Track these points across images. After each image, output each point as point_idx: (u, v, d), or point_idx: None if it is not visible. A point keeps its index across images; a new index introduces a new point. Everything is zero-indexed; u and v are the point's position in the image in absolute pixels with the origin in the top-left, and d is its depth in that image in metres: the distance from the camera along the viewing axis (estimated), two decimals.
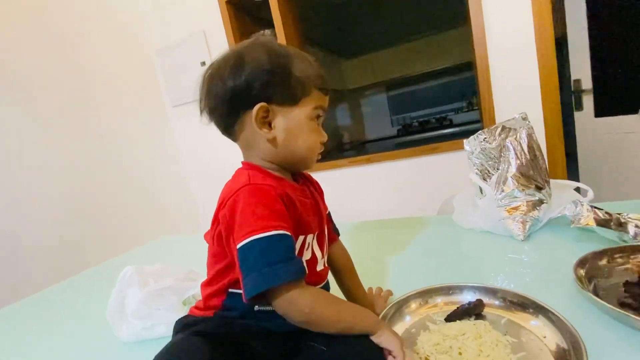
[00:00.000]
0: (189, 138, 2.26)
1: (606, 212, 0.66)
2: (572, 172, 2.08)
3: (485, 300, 0.53)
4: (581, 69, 1.91)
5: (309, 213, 0.46)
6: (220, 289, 0.44)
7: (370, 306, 0.56)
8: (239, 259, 0.37)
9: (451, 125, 3.40)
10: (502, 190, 0.79)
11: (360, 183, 1.86)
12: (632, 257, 0.55)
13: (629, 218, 0.63)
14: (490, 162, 0.81)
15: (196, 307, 0.48)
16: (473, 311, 0.52)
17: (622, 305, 0.48)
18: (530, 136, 0.80)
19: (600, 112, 1.92)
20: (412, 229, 0.96)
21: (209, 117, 0.47)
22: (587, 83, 1.92)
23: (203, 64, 2.13)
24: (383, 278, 0.72)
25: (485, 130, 0.81)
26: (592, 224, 0.65)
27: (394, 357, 0.40)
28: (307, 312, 0.38)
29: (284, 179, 0.46)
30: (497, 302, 0.52)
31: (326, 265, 0.50)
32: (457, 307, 0.53)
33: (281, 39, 1.82)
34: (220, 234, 0.42)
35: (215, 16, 1.99)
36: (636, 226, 0.62)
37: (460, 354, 0.44)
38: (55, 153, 1.62)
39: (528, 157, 0.79)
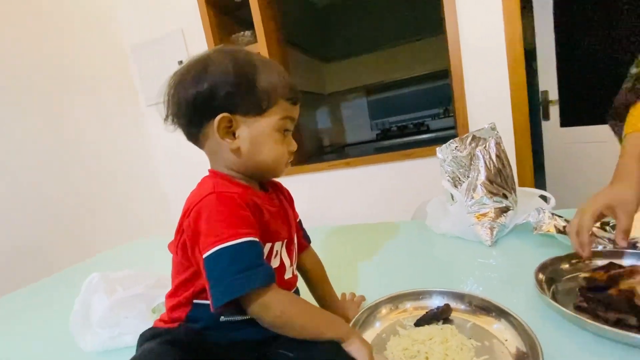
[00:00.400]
0: (164, 139, 2.20)
1: (565, 220, 0.70)
2: (540, 179, 2.19)
3: (453, 304, 0.55)
4: (548, 80, 2.01)
5: (277, 221, 0.46)
6: (184, 300, 0.43)
7: (342, 312, 0.57)
8: (206, 268, 0.37)
9: (428, 131, 3.49)
10: (472, 197, 0.82)
11: (339, 187, 1.87)
12: (587, 262, 0.59)
13: None
14: (461, 170, 0.84)
15: (161, 320, 0.47)
16: (441, 316, 0.53)
17: (578, 309, 0.51)
18: (498, 145, 0.83)
19: (565, 122, 2.03)
20: (386, 234, 0.98)
21: (174, 124, 0.46)
22: (554, 94, 2.03)
23: (180, 63, 2.08)
24: (357, 283, 0.73)
25: (457, 139, 0.84)
26: (553, 231, 0.68)
27: None
28: (279, 315, 0.38)
29: (250, 188, 0.46)
30: (463, 307, 0.54)
31: (295, 273, 0.50)
32: (426, 312, 0.54)
33: (261, 40, 1.82)
34: (185, 244, 0.41)
35: (194, 15, 1.95)
36: (592, 234, 0.66)
37: (427, 358, 0.45)
38: (18, 151, 1.54)
39: (496, 165, 0.82)
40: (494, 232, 0.79)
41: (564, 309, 0.47)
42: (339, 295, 0.63)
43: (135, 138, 2.18)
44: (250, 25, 1.88)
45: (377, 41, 3.71)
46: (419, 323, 0.53)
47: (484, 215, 0.81)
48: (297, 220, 0.58)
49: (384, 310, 0.55)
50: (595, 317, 0.48)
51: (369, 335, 0.52)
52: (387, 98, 4.05)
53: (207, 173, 0.48)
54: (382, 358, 0.47)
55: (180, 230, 0.42)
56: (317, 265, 0.59)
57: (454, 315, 0.54)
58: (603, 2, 1.84)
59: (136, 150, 2.17)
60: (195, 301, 0.43)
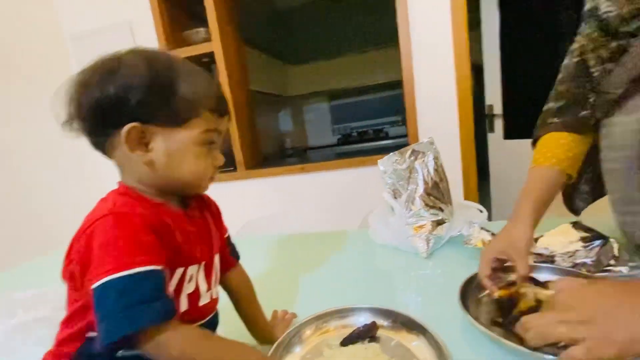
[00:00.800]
0: None
1: (492, 234, 0.73)
2: (486, 189, 2.33)
3: (379, 321, 0.54)
4: (494, 94, 2.15)
5: (194, 242, 0.43)
6: (77, 332, 0.39)
7: (269, 333, 0.54)
8: (95, 300, 0.33)
9: (387, 137, 3.58)
10: (411, 209, 0.84)
11: (294, 192, 1.85)
12: (505, 273, 0.62)
13: None
14: (401, 182, 0.86)
15: (50, 353, 0.41)
16: (367, 334, 0.53)
17: (494, 323, 0.53)
18: (436, 159, 0.86)
19: (508, 135, 2.17)
20: (332, 244, 0.98)
21: (75, 130, 0.40)
22: (498, 108, 2.16)
23: None
24: (295, 297, 0.71)
25: (397, 152, 0.86)
26: (480, 245, 0.71)
27: None
28: (178, 356, 0.34)
29: (163, 205, 0.42)
30: (387, 323, 0.54)
31: (214, 296, 0.47)
32: (353, 331, 0.53)
33: (215, 38, 1.75)
34: (74, 273, 0.36)
35: (144, 6, 1.84)
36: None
37: None
38: None
39: (434, 179, 0.85)
40: (430, 244, 0.81)
41: (475, 322, 0.49)
42: (269, 313, 0.61)
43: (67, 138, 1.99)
44: (205, 22, 1.81)
45: (341, 47, 3.75)
46: (345, 342, 0.52)
47: (421, 227, 0.83)
48: (226, 236, 0.55)
49: (308, 331, 0.53)
50: (509, 332, 0.50)
51: (293, 358, 0.50)
52: (349, 104, 4.11)
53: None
54: None
55: (69, 257, 0.37)
56: (244, 284, 0.56)
57: (380, 332, 0.54)
58: (546, 22, 1.99)
59: (67, 151, 1.96)
60: (88, 335, 0.38)
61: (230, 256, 0.54)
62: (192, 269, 0.42)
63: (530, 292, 0.53)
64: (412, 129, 1.67)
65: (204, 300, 0.44)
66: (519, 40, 2.10)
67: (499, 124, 2.18)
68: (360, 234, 1.00)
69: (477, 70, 2.34)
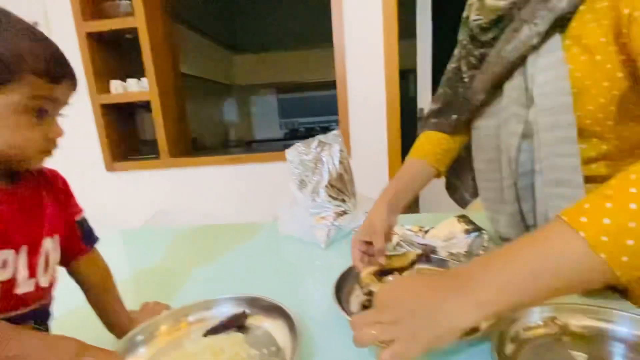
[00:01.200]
0: None
1: None
2: None
3: (250, 310, 0.53)
4: (425, 99, 2.26)
5: (11, 223, 0.37)
6: None
7: (124, 324, 0.50)
8: None
9: None
10: (315, 200, 0.84)
11: (220, 183, 1.78)
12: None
13: (394, 231, 0.73)
14: (307, 174, 0.85)
15: None
16: (234, 324, 0.51)
17: (363, 307, 0.54)
18: (342, 152, 0.87)
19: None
20: (237, 235, 0.95)
21: None
22: None
23: (36, 24, 1.72)
24: (188, 289, 0.67)
25: (303, 142, 0.85)
26: None
27: None
28: None
29: None
30: (257, 311, 0.53)
31: (43, 285, 0.41)
32: (220, 321, 0.51)
33: (139, 12, 1.61)
34: None
35: None
36: (400, 238, 0.73)
37: None
38: None
39: (339, 171, 0.86)
40: (330, 235, 0.82)
41: (338, 306, 0.50)
42: (138, 304, 0.56)
43: None
44: None
45: (291, 41, 3.71)
46: (209, 333, 0.49)
47: (324, 217, 0.83)
48: (77, 219, 0.49)
49: (164, 327, 0.50)
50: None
51: (149, 351, 0.47)
52: (298, 99, 4.09)
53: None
54: None
55: None
56: (98, 273, 0.51)
57: (250, 321, 0.52)
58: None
59: None
60: None
61: (80, 242, 0.49)
62: (4, 253, 0.36)
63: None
64: (344, 126, 1.70)
65: (24, 289, 0.39)
66: (450, 48, 2.24)
67: None
68: (269, 226, 0.98)
69: (411, 75, 2.46)
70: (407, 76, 3.04)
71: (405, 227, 0.80)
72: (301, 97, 4.09)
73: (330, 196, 0.84)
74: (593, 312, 0.44)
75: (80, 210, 0.49)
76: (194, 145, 2.59)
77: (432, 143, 0.71)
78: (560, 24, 0.48)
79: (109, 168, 1.80)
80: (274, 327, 0.50)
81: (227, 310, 0.53)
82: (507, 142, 0.56)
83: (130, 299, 0.55)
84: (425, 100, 2.26)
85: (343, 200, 0.85)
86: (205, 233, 1.01)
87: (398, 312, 0.34)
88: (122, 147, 1.88)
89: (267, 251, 0.85)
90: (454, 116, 0.66)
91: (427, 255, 0.62)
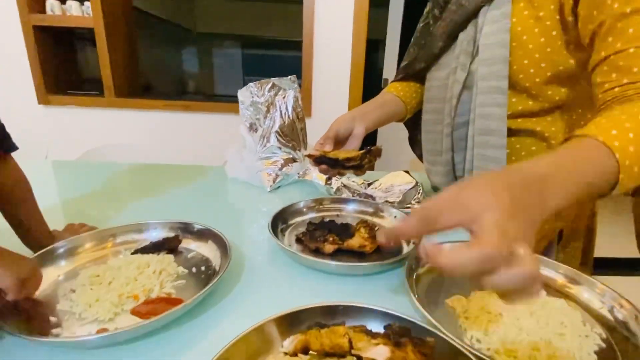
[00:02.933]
0: None
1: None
2: None
3: (182, 235, 0.53)
4: (390, 69, 2.28)
5: None
6: None
7: (43, 239, 0.48)
8: None
9: None
10: (265, 145, 0.83)
11: (169, 130, 1.69)
12: (324, 205, 0.67)
13: (337, 178, 0.77)
14: (258, 117, 0.84)
15: None
16: (165, 246, 0.51)
17: (297, 240, 0.56)
18: (296, 99, 0.86)
19: None
20: (183, 175, 0.92)
21: None
22: None
23: None
24: (112, 217, 0.64)
25: (256, 83, 0.83)
26: (310, 178, 0.75)
27: (5, 293, 0.33)
28: None
29: None
30: (190, 237, 0.53)
31: None
32: (150, 242, 0.51)
33: None
34: None
35: None
36: (342, 184, 0.76)
37: (110, 283, 0.41)
38: None
39: (291, 118, 0.85)
40: (277, 180, 0.82)
41: (275, 239, 0.52)
42: (62, 226, 0.54)
43: None
44: None
45: None
46: (137, 253, 0.49)
47: (273, 163, 0.83)
48: None
49: (88, 244, 0.48)
50: (304, 246, 0.54)
51: (69, 264, 0.45)
52: (263, 56, 3.90)
53: None
54: (69, 285, 0.41)
55: None
56: (15, 182, 0.47)
57: (183, 246, 0.52)
58: None
59: None
60: None
61: None
62: None
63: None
64: (307, 88, 1.67)
65: None
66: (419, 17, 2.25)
67: None
68: (216, 169, 0.96)
69: (380, 45, 2.44)
70: (375, 46, 3.02)
71: (351, 179, 0.84)
72: (266, 55, 3.91)
73: (280, 142, 0.83)
74: None
75: None
76: (146, 90, 2.40)
77: (401, 86, 0.75)
78: None
79: (43, 101, 1.61)
80: (206, 250, 0.51)
81: (159, 235, 0.53)
82: (452, 90, 0.60)
83: (55, 225, 0.53)
84: (390, 72, 2.29)
85: (293, 148, 0.85)
86: (146, 171, 0.97)
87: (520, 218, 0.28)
88: (59, 80, 1.69)
89: (210, 192, 0.83)
90: (418, 66, 0.69)
91: (372, 150, 0.56)
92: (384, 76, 2.32)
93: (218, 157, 1.59)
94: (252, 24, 3.70)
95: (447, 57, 0.63)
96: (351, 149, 0.59)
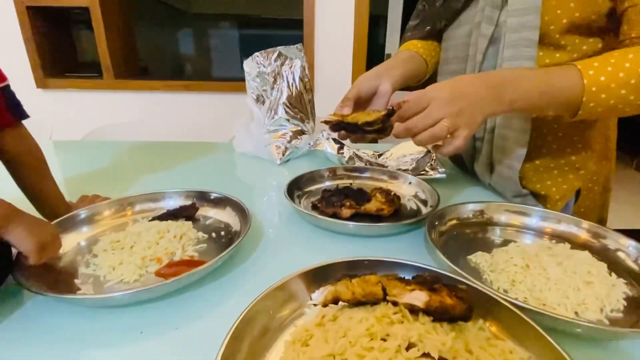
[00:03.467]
0: None
1: (337, 140, 0.77)
2: None
3: (199, 203, 0.52)
4: (393, 45, 2.23)
5: None
6: None
7: (59, 209, 0.47)
8: None
9: None
10: (272, 117, 0.82)
11: (171, 111, 1.67)
12: (337, 174, 0.66)
13: (347, 146, 0.76)
14: (265, 88, 0.82)
15: None
16: (182, 213, 0.50)
17: (313, 207, 0.56)
18: (303, 68, 0.84)
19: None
20: (190, 152, 0.91)
21: None
22: None
23: None
24: (124, 192, 0.64)
25: (262, 52, 0.81)
26: (322, 148, 0.74)
27: (26, 257, 0.33)
28: None
29: None
30: (206, 203, 0.53)
31: None
32: (167, 210, 0.50)
33: None
34: None
35: None
36: (354, 153, 0.75)
37: (131, 247, 0.41)
38: None
39: (298, 88, 0.83)
40: (287, 153, 0.81)
41: (293, 204, 0.51)
42: (76, 197, 0.53)
43: None
44: None
45: None
46: (155, 219, 0.49)
47: (281, 135, 0.82)
48: (0, 85, 0.43)
49: (107, 212, 0.48)
50: (321, 212, 0.54)
51: (90, 231, 0.45)
52: (262, 36, 3.79)
53: None
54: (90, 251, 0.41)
55: None
56: (29, 151, 0.46)
57: (201, 213, 0.52)
58: None
59: None
60: None
61: (4, 112, 0.43)
62: None
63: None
64: (310, 69, 1.62)
65: None
66: None
67: None
68: (224, 145, 0.95)
69: (381, 20, 2.38)
70: (377, 22, 2.94)
71: (362, 150, 0.82)
72: (265, 35, 3.81)
73: (288, 114, 0.82)
74: (513, 208, 0.50)
75: (4, 78, 0.43)
76: (143, 73, 2.35)
77: (420, 43, 0.72)
78: None
79: (41, 84, 1.59)
80: (225, 216, 0.51)
81: (175, 203, 0.52)
82: (476, 45, 0.57)
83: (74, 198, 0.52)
84: (393, 48, 2.23)
85: (302, 120, 0.84)
86: (152, 148, 0.96)
87: (461, 103, 0.42)
88: (57, 63, 1.65)
89: (220, 167, 0.83)
90: (428, 27, 0.67)
91: (394, 111, 0.52)
92: (387, 52, 2.26)
93: (222, 136, 1.58)
94: (249, 3, 3.59)
95: (468, 12, 0.61)
96: (372, 110, 0.54)
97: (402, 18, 2.17)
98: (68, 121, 1.65)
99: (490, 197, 0.63)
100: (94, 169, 0.78)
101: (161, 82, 1.61)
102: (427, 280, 0.30)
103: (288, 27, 3.62)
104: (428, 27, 0.68)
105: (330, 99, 1.71)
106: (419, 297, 0.26)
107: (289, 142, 0.82)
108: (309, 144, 0.83)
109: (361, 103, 0.59)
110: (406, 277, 0.31)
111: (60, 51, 1.69)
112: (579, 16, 0.48)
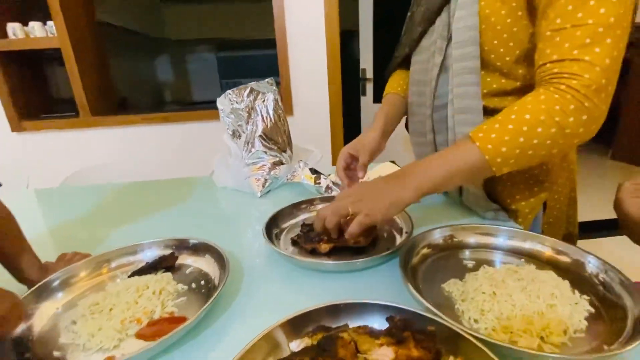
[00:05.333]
0: None
1: (314, 170, 0.79)
2: None
3: (178, 252, 0.53)
4: (367, 59, 2.29)
5: None
6: None
7: (35, 273, 0.47)
8: None
9: None
10: (250, 151, 0.83)
11: (155, 143, 1.66)
12: (315, 205, 0.68)
13: (324, 175, 0.77)
14: (240, 123, 0.83)
15: None
16: (162, 265, 0.51)
17: (293, 243, 0.57)
18: (276, 101, 0.86)
19: (377, 98, 2.38)
20: (171, 190, 0.91)
21: None
22: (370, 72, 2.32)
23: None
24: (104, 241, 0.64)
25: (234, 89, 0.82)
26: (299, 180, 0.76)
27: None
28: None
29: None
30: (185, 251, 0.53)
31: None
32: (147, 262, 0.51)
33: None
34: None
35: None
36: (331, 182, 0.76)
37: (111, 309, 0.41)
38: None
39: (273, 120, 0.85)
40: (266, 184, 0.83)
41: (268, 241, 0.52)
42: (55, 256, 0.53)
43: None
44: None
45: None
46: (134, 275, 0.49)
47: (260, 168, 0.83)
48: None
49: (83, 273, 0.48)
50: (300, 248, 0.55)
51: (66, 296, 0.45)
52: (238, 57, 3.84)
53: None
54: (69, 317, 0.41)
55: None
56: None
57: (180, 262, 0.52)
58: None
59: None
60: None
61: None
62: None
63: None
64: (286, 85, 1.66)
65: None
66: (391, 7, 2.25)
67: (370, 88, 2.36)
68: (204, 180, 0.96)
69: (354, 35, 2.44)
70: (350, 37, 3.01)
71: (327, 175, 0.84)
72: (242, 56, 3.85)
73: (265, 146, 0.83)
74: (480, 229, 0.53)
75: None
76: (123, 105, 2.35)
77: (401, 78, 0.77)
78: None
79: (16, 128, 1.57)
80: (204, 264, 0.51)
81: (154, 254, 0.53)
82: (431, 73, 0.61)
83: (45, 255, 0.52)
84: (367, 61, 2.29)
85: (279, 151, 0.85)
86: (132, 189, 0.95)
87: (362, 193, 0.49)
88: (31, 105, 1.64)
89: (201, 203, 0.83)
90: (403, 51, 0.71)
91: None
92: (362, 66, 2.32)
93: (204, 166, 1.58)
94: (224, 27, 3.64)
95: (426, 41, 0.64)
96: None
97: (373, 32, 2.22)
98: (46, 164, 1.63)
99: (464, 214, 0.66)
100: (75, 216, 0.77)
101: (139, 115, 1.61)
102: (397, 326, 0.32)
103: (264, 47, 3.67)
104: (402, 53, 0.72)
105: (309, 117, 1.74)
106: (387, 354, 0.28)
107: (268, 173, 0.83)
108: (287, 176, 0.84)
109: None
110: (377, 324, 0.32)
111: (34, 92, 1.68)
112: (513, 46, 0.52)
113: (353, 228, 0.47)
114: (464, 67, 0.55)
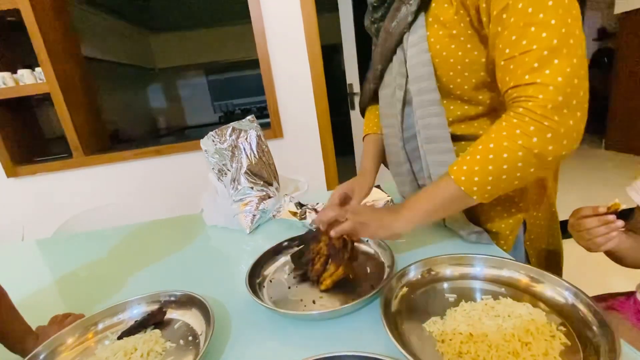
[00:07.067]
0: None
1: (299, 204, 0.80)
2: (349, 162, 2.56)
3: (166, 306, 0.54)
4: (352, 74, 2.32)
5: None
6: None
7: (25, 341, 0.48)
8: None
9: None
10: (236, 188, 0.85)
11: (144, 178, 1.68)
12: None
13: (308, 208, 0.78)
14: (224, 162, 0.85)
15: None
16: (151, 322, 0.52)
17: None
18: (259, 137, 0.88)
19: (363, 112, 2.40)
20: (164, 231, 0.93)
21: None
22: (357, 87, 2.35)
23: None
24: (103, 293, 0.65)
25: (215, 131, 0.84)
26: (286, 216, 0.77)
27: None
28: None
29: None
30: (173, 304, 0.54)
31: None
32: (135, 321, 0.52)
33: None
34: None
35: None
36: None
37: None
38: None
39: (257, 156, 0.87)
40: (255, 220, 0.84)
41: (255, 298, 0.53)
42: (47, 319, 0.54)
43: None
44: None
45: (209, 18, 3.47)
46: (123, 335, 0.50)
47: (247, 204, 0.85)
48: None
49: (70, 339, 0.49)
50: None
51: None
52: (229, 79, 3.90)
53: None
54: None
55: None
56: None
57: (170, 316, 0.53)
58: None
59: None
60: None
61: None
62: None
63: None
64: (273, 106, 1.68)
65: None
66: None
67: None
68: (196, 218, 0.97)
69: (338, 50, 2.48)
70: (335, 50, 3.05)
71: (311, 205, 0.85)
72: (232, 77, 3.92)
73: (251, 182, 0.85)
74: (457, 259, 0.54)
75: None
76: (116, 138, 2.38)
77: (375, 116, 0.81)
78: (425, 4, 0.54)
79: (11, 173, 1.59)
80: (191, 318, 0.52)
81: (142, 310, 0.54)
82: (396, 107, 0.63)
83: (47, 312, 0.53)
84: (352, 75, 2.32)
85: (266, 184, 0.87)
86: (128, 233, 0.97)
87: (364, 211, 0.57)
88: (24, 149, 1.66)
89: (192, 243, 0.84)
90: (369, 87, 0.73)
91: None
92: (348, 81, 2.35)
93: (198, 198, 1.59)
94: (211, 51, 3.70)
95: (388, 77, 0.66)
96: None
97: (357, 46, 2.26)
98: (44, 206, 1.65)
99: (447, 237, 0.67)
100: (72, 268, 0.79)
101: (132, 151, 1.64)
102: None
103: (251, 67, 3.74)
104: (368, 88, 0.74)
105: (299, 137, 1.76)
106: None
107: (256, 208, 0.85)
108: (273, 214, 0.85)
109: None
110: None
111: (27, 134, 1.71)
112: (469, 75, 0.54)
113: (343, 226, 0.55)
114: (424, 100, 0.57)
